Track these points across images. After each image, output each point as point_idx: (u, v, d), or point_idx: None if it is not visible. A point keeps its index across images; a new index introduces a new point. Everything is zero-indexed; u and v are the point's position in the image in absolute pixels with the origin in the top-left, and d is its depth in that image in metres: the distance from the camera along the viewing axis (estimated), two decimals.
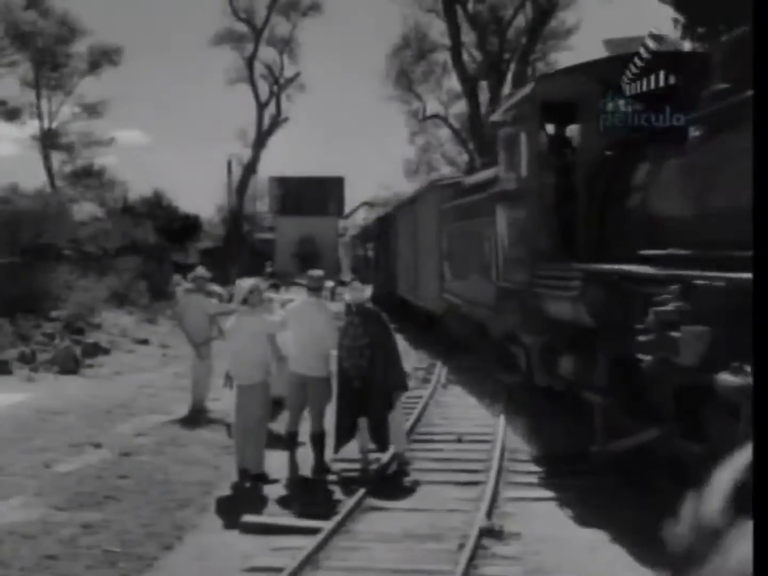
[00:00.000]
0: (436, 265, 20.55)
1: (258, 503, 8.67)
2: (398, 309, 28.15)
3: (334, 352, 9.78)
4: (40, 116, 50.16)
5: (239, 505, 8.54)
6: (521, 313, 11.23)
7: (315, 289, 9.99)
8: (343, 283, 39.56)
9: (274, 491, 9.07)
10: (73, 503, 8.48)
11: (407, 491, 9.06)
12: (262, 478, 9.35)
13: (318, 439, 9.66)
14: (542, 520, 7.98)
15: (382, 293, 33.09)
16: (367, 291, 10.51)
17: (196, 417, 12.55)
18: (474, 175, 20.47)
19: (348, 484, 9.16)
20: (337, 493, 9.00)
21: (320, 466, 9.65)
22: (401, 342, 21.04)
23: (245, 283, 9.98)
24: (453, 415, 13.11)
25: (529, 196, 11.05)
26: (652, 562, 6.65)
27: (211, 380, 12.88)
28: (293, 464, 9.66)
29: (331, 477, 9.54)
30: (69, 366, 17.52)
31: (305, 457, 9.78)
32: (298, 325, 9.72)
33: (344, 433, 9.76)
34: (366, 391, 9.56)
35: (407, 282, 26.46)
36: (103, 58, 50.04)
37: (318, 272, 10.25)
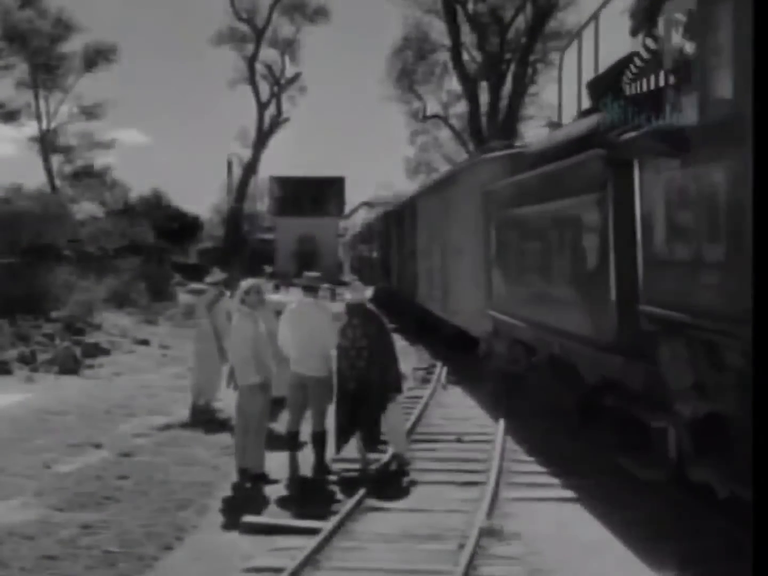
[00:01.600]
0: (480, 270, 15.56)
1: (258, 503, 8.66)
2: (417, 320, 24.32)
3: (335, 352, 9.80)
4: (38, 117, 50.27)
5: (239, 505, 8.52)
6: (706, 365, 6.80)
7: (311, 289, 10.01)
8: (343, 284, 39.51)
9: (274, 491, 9.06)
10: (73, 504, 8.47)
11: (407, 491, 9.06)
12: (263, 478, 9.34)
13: (319, 439, 9.65)
14: (543, 520, 7.95)
15: (393, 300, 29.49)
16: (368, 292, 10.46)
17: (198, 417, 12.55)
18: (546, 137, 13.67)
19: (348, 484, 9.15)
20: (338, 493, 8.99)
21: (320, 466, 9.64)
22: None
23: (246, 284, 9.98)
24: (453, 416, 13.09)
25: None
26: (653, 562, 6.65)
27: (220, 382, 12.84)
28: (294, 464, 9.65)
29: (332, 477, 9.54)
30: (69, 366, 17.51)
31: (306, 457, 9.77)
32: (298, 326, 9.72)
33: (343, 434, 9.76)
34: (362, 392, 9.57)
35: (431, 290, 21.52)
36: (98, 56, 50.10)
37: (314, 273, 10.32)
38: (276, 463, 9.66)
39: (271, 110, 58.75)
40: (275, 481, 9.33)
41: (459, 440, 11.23)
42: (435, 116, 54.37)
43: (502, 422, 11.67)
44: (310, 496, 8.87)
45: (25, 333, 19.78)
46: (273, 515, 8.29)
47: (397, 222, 29.05)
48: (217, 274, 13.87)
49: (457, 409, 13.69)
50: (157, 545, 7.40)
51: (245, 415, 9.40)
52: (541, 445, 10.63)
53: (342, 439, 9.79)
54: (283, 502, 8.71)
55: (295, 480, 9.45)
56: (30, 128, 51.23)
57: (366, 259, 46.17)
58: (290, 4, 55.60)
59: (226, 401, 11.86)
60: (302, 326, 9.69)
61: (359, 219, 70.95)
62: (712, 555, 6.75)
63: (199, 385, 13.15)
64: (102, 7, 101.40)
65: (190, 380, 13.71)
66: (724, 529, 7.02)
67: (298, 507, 8.47)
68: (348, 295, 10.37)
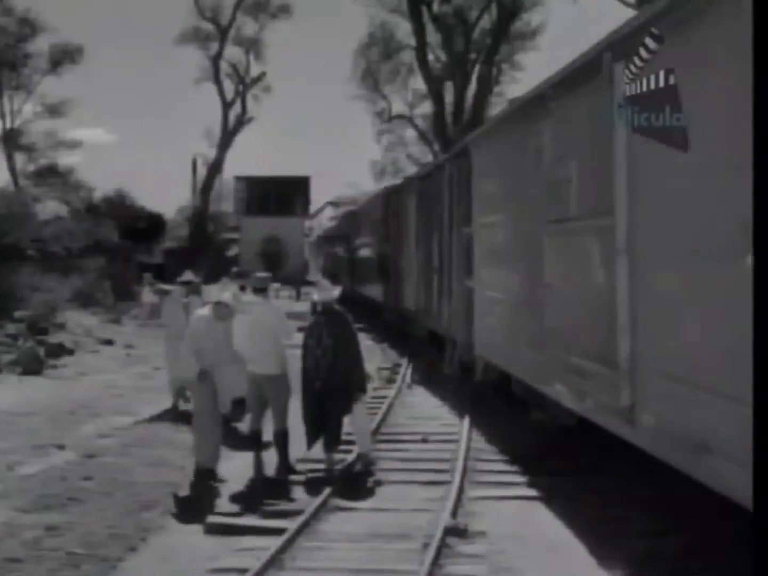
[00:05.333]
0: None
1: (223, 504, 8.65)
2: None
3: (295, 351, 9.87)
4: (2, 116, 49.78)
5: (204, 506, 8.51)
6: None
7: (261, 289, 10.16)
8: (309, 284, 39.47)
9: (238, 492, 9.06)
10: (37, 505, 8.41)
11: (372, 491, 9.09)
12: (211, 475, 9.33)
13: (281, 438, 9.66)
14: (507, 519, 8.01)
15: (406, 332, 21.74)
16: (336, 291, 10.48)
17: (167, 416, 12.58)
18: None
19: (314, 484, 9.17)
20: (303, 493, 9.00)
21: (284, 466, 9.65)
22: None
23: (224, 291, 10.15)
24: (419, 415, 13.13)
25: None
26: (615, 561, 6.73)
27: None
28: (258, 464, 9.65)
29: (297, 477, 9.54)
30: (32, 367, 17.36)
31: (272, 456, 9.76)
32: (250, 326, 9.78)
33: (313, 431, 9.78)
34: (327, 390, 9.61)
35: (533, 346, 10.07)
36: (64, 57, 49.71)
37: (264, 273, 10.52)
38: (241, 463, 9.67)
39: (236, 109, 58.68)
40: (223, 480, 9.32)
41: (424, 440, 11.27)
42: (400, 116, 54.41)
43: (467, 420, 11.75)
44: (275, 497, 8.86)
45: None
46: (238, 516, 8.29)
47: (421, 199, 19.27)
48: (188, 275, 13.92)
49: (423, 409, 13.73)
50: (122, 546, 7.37)
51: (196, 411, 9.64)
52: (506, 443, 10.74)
53: (312, 439, 9.82)
54: (248, 503, 8.70)
55: (260, 480, 9.45)
56: None
57: (344, 260, 36.37)
58: (253, 3, 55.54)
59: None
60: (253, 326, 9.74)
61: (325, 218, 70.99)
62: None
63: (174, 383, 13.16)
64: (67, 5, 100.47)
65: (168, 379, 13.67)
66: None
67: (264, 507, 8.47)
68: (315, 295, 10.41)
